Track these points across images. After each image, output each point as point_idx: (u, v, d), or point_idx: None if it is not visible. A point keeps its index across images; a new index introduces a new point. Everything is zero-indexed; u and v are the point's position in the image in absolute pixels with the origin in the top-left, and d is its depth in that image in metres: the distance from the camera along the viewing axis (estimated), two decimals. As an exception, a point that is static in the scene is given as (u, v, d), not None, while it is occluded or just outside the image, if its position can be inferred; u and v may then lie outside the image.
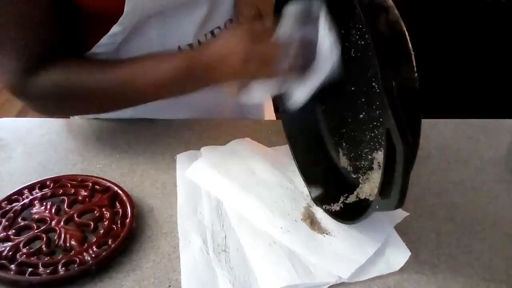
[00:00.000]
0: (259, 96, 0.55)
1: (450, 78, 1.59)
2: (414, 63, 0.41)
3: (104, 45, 0.63)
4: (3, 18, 0.55)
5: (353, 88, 0.56)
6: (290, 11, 0.52)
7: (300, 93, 0.53)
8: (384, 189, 0.43)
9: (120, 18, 0.59)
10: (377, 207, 0.45)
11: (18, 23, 0.56)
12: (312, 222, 0.54)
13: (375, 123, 0.53)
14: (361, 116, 0.55)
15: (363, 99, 0.54)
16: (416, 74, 0.41)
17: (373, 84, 0.51)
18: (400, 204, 0.42)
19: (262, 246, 0.51)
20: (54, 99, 0.61)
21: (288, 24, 0.52)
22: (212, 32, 0.70)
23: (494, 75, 1.57)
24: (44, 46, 0.59)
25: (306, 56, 0.51)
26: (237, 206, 0.56)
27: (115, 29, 0.60)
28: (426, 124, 0.74)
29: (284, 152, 0.64)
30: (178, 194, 0.58)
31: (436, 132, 0.73)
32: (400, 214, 0.55)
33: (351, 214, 0.53)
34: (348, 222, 0.53)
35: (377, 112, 0.52)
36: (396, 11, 0.43)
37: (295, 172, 0.62)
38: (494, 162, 0.67)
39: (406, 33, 0.42)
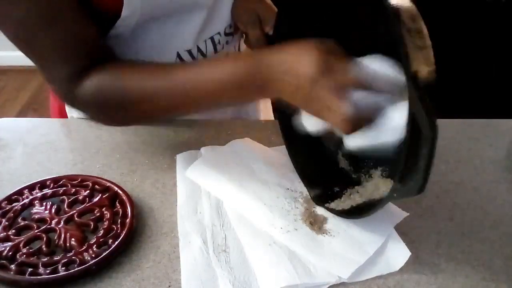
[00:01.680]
0: (309, 124, 0.49)
1: (450, 78, 1.59)
2: (432, 56, 0.42)
3: None
4: (43, 26, 0.53)
5: None
6: (379, 60, 0.46)
7: (352, 142, 0.47)
8: (405, 175, 0.42)
9: (118, 21, 0.59)
10: (395, 195, 0.44)
11: (58, 29, 0.54)
12: (312, 222, 0.54)
13: None
14: None
15: None
16: (433, 60, 0.41)
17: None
18: (422, 189, 0.42)
19: (262, 246, 0.51)
20: (103, 105, 0.57)
21: (374, 64, 0.45)
22: (212, 38, 0.70)
23: (494, 75, 1.57)
24: (83, 50, 0.56)
25: (373, 110, 0.45)
26: (237, 206, 0.56)
27: (112, 32, 0.60)
28: (426, 124, 0.74)
29: (284, 152, 0.64)
30: (178, 194, 0.58)
31: (436, 132, 0.73)
32: (400, 214, 0.55)
33: (357, 210, 0.53)
34: (355, 217, 0.53)
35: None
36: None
37: (295, 172, 0.62)
38: (494, 162, 0.67)
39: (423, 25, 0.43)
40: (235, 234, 0.52)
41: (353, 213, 0.53)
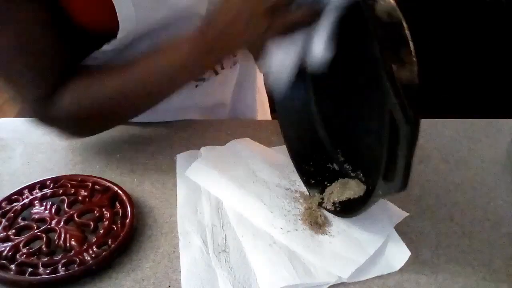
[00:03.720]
0: (281, 59, 0.51)
1: (450, 78, 1.59)
2: (412, 48, 0.42)
3: (93, 59, 0.63)
4: (14, 49, 0.55)
5: (351, 88, 0.56)
6: None
7: (318, 44, 0.49)
8: (388, 172, 0.43)
9: (112, 41, 0.59)
10: (380, 192, 0.45)
11: (28, 51, 0.55)
12: (312, 222, 0.54)
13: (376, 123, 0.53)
14: (360, 113, 0.55)
15: (365, 101, 0.55)
16: (414, 58, 0.41)
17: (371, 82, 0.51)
18: (403, 186, 0.42)
19: (262, 246, 0.51)
20: (80, 116, 0.59)
21: None
22: None
23: (494, 75, 1.57)
24: (55, 71, 0.58)
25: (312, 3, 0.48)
26: (237, 206, 0.56)
27: (106, 47, 0.60)
28: (426, 124, 0.74)
29: (284, 152, 0.64)
30: (178, 194, 0.58)
31: (436, 132, 0.73)
32: (400, 214, 0.55)
33: (350, 209, 0.53)
34: (348, 215, 0.53)
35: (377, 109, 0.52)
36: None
37: (294, 171, 0.62)
38: (494, 162, 0.67)
39: (403, 20, 0.43)
40: (235, 234, 0.52)
41: (347, 212, 0.53)
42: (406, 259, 0.50)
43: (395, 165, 0.42)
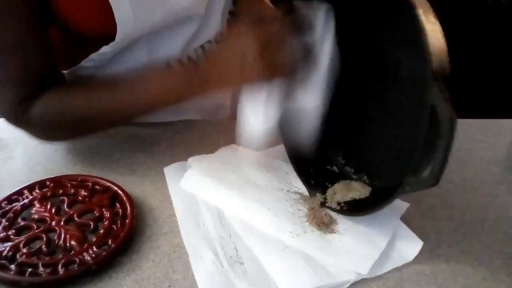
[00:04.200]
0: (255, 121, 0.54)
1: (450, 78, 1.59)
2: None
3: (92, 60, 0.63)
4: (2, 48, 0.55)
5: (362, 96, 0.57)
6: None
7: (308, 96, 0.52)
8: (419, 168, 0.43)
9: (111, 44, 0.59)
10: (407, 188, 0.45)
11: (12, 51, 0.55)
12: (319, 223, 0.53)
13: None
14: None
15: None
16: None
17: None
18: (437, 181, 0.42)
19: (275, 252, 0.49)
20: (52, 126, 0.60)
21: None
22: (202, 47, 0.70)
23: (494, 75, 1.57)
24: (38, 75, 0.58)
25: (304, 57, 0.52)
26: (239, 214, 0.54)
27: (104, 49, 0.60)
28: (426, 124, 0.74)
29: (275, 155, 0.63)
30: (175, 209, 0.56)
31: (436, 132, 0.73)
32: (402, 205, 0.56)
33: (359, 208, 0.53)
34: (360, 214, 0.53)
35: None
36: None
37: (289, 173, 0.61)
38: (494, 162, 0.67)
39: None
40: (245, 243, 0.51)
41: (353, 210, 0.54)
42: (419, 248, 0.50)
43: (428, 160, 0.42)
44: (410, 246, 0.51)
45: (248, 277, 0.47)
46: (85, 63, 0.63)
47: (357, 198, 0.55)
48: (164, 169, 0.62)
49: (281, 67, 0.52)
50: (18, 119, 0.59)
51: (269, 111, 0.53)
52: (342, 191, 0.56)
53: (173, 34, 0.65)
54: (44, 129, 0.61)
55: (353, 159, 0.60)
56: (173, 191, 0.59)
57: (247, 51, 0.51)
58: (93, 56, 0.62)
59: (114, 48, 0.60)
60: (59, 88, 0.60)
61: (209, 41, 0.70)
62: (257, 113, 0.53)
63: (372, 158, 0.58)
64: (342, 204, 0.55)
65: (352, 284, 0.48)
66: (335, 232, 0.53)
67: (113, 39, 0.58)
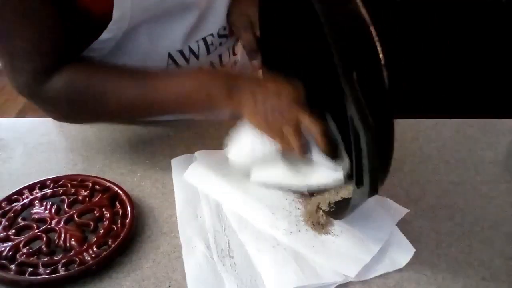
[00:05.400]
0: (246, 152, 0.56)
1: (450, 78, 1.59)
2: (379, 51, 0.40)
3: (94, 50, 0.63)
4: (16, 19, 0.54)
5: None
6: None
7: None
8: (359, 178, 0.42)
9: (109, 25, 0.59)
10: (356, 197, 0.45)
11: (22, 20, 0.55)
12: (315, 222, 0.53)
13: None
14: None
15: None
16: (381, 61, 0.39)
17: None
18: (372, 191, 0.41)
19: (267, 248, 0.50)
20: (69, 103, 0.59)
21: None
22: (204, 39, 0.70)
23: (494, 75, 1.57)
24: (56, 45, 0.58)
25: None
26: (237, 209, 0.55)
27: (104, 35, 0.60)
28: (426, 124, 0.74)
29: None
30: (176, 200, 0.57)
31: (436, 132, 0.73)
32: (401, 210, 0.56)
33: (341, 211, 0.53)
34: (337, 218, 0.53)
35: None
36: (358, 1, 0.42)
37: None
38: (494, 162, 0.67)
39: (368, 22, 0.40)
40: (238, 237, 0.52)
41: (336, 213, 0.54)
42: (411, 255, 0.50)
43: (360, 172, 0.41)
44: (402, 253, 0.51)
45: (236, 270, 0.48)
46: (87, 53, 0.63)
47: (345, 198, 0.55)
48: (172, 160, 0.63)
49: (296, 143, 0.53)
50: (34, 92, 0.58)
51: (255, 149, 0.55)
52: (333, 191, 0.56)
53: (173, 24, 0.65)
54: (58, 105, 0.60)
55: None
56: (177, 183, 0.60)
57: (284, 102, 0.52)
58: (94, 45, 0.61)
59: (114, 34, 0.60)
60: (80, 65, 0.59)
61: (211, 34, 0.70)
62: (244, 146, 0.56)
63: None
64: (332, 206, 0.55)
65: (352, 284, 0.48)
66: (330, 234, 0.53)
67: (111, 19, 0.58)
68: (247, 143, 0.56)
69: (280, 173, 0.57)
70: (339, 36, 0.39)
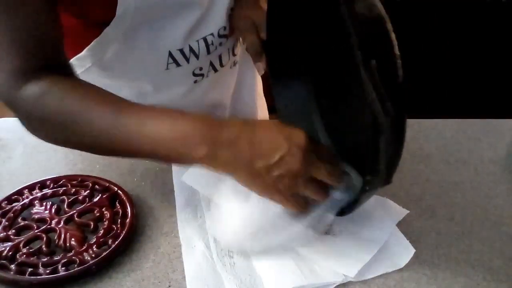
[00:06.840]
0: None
1: (451, 78, 1.59)
2: (395, 42, 0.41)
3: (93, 49, 0.62)
4: (8, 8, 0.49)
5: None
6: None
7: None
8: (373, 167, 0.42)
9: (112, 22, 0.58)
10: (367, 188, 0.45)
11: (8, 8, 0.49)
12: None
13: None
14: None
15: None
16: (397, 52, 0.41)
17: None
18: (388, 179, 0.42)
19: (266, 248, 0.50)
20: (40, 116, 0.51)
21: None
22: (204, 39, 0.70)
23: (494, 75, 1.57)
24: (42, 44, 0.53)
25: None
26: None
27: (106, 32, 0.60)
28: (426, 124, 0.74)
29: None
30: (177, 200, 0.57)
31: (436, 132, 0.73)
32: (401, 211, 0.56)
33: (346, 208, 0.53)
34: (340, 215, 0.52)
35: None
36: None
37: None
38: (494, 162, 0.67)
39: (385, 15, 0.42)
40: None
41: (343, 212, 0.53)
42: (411, 256, 0.50)
43: (378, 160, 0.41)
44: (402, 253, 0.51)
45: (235, 270, 0.48)
46: (87, 51, 0.63)
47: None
48: None
49: (299, 202, 0.49)
50: (10, 97, 0.51)
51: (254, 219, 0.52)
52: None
53: (175, 21, 0.65)
54: (31, 115, 0.52)
55: (345, 156, 0.60)
56: (177, 183, 0.60)
57: (291, 159, 0.46)
58: (94, 43, 0.61)
59: (115, 31, 0.60)
60: (66, 79, 0.53)
61: (211, 34, 0.70)
62: (237, 220, 0.52)
63: (355, 154, 0.58)
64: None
65: (351, 284, 0.48)
66: (330, 233, 0.53)
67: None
68: (241, 214, 0.52)
69: (294, 232, 0.53)
70: (359, 26, 0.40)
